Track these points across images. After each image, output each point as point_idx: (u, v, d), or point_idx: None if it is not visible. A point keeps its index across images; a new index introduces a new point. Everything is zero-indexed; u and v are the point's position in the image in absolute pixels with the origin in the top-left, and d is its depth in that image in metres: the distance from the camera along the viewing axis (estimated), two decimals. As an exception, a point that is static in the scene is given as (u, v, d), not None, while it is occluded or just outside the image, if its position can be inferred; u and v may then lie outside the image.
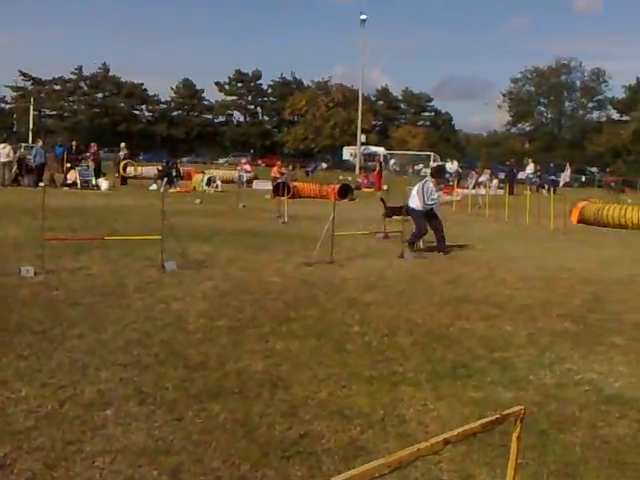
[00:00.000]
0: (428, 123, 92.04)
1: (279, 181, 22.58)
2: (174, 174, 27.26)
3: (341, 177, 37.85)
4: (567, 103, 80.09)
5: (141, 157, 53.52)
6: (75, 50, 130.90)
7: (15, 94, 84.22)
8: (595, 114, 79.41)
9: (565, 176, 41.39)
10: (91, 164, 25.65)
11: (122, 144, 30.06)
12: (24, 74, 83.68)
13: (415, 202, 11.35)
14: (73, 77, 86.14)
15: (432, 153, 62.85)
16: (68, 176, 24.54)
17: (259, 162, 61.42)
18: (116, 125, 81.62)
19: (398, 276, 8.82)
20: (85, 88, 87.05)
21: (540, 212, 16.85)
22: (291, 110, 79.38)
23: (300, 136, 75.82)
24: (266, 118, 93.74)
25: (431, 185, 11.44)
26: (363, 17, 59.47)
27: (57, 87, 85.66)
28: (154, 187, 25.24)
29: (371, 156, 57.85)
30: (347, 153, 67.49)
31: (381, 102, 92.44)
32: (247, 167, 31.26)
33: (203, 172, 30.27)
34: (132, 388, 4.29)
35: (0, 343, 5.09)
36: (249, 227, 13.85)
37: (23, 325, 5.61)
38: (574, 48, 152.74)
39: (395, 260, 10.18)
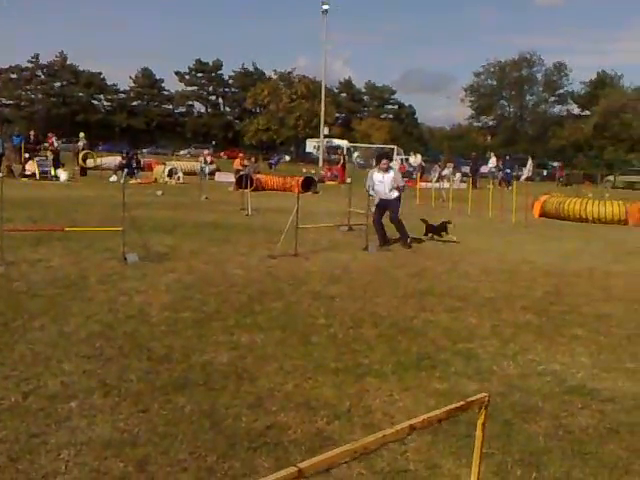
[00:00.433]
0: (391, 116, 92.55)
1: (242, 173, 22.48)
2: (134, 165, 26.89)
3: (304, 170, 37.89)
4: (529, 97, 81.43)
5: (100, 147, 52.58)
6: (31, 38, 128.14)
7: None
8: (557, 108, 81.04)
9: (527, 170, 41.99)
10: (50, 154, 25.13)
11: (81, 134, 29.53)
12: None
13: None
14: (30, 65, 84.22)
15: (395, 146, 63.21)
16: (26, 167, 24.02)
17: (221, 154, 60.92)
18: (74, 115, 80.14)
19: (363, 269, 8.88)
20: (42, 77, 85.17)
21: (502, 206, 17.13)
22: (253, 101, 78.79)
23: (262, 126, 75.42)
24: (228, 109, 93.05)
25: (375, 174, 11.51)
26: (325, 7, 59.38)
27: (13, 76, 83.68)
28: (114, 178, 24.85)
29: (334, 149, 57.93)
30: (310, 146, 67.48)
31: (344, 94, 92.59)
32: (209, 158, 31.05)
33: (164, 163, 29.93)
34: (96, 380, 4.24)
35: (-41, 336, 4.99)
36: (212, 219, 13.76)
37: (-17, 317, 5.50)
38: (535, 42, 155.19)
39: (360, 253, 10.25)
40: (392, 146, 63.73)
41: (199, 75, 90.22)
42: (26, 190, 17.99)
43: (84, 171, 27.02)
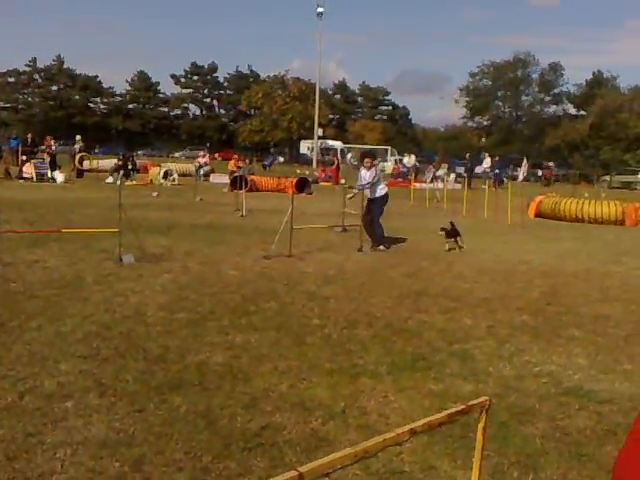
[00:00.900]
0: (385, 117, 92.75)
1: (236, 175, 22.49)
2: (130, 167, 26.89)
3: (298, 171, 37.87)
4: (524, 97, 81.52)
5: (97, 150, 52.53)
6: (29, 42, 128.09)
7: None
8: (552, 108, 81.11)
9: (523, 171, 41.95)
10: (47, 157, 25.12)
11: (77, 137, 29.47)
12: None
13: None
14: (27, 69, 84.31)
15: (389, 147, 63.33)
16: (24, 169, 24.03)
17: (216, 156, 60.92)
18: (71, 118, 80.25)
19: (357, 270, 8.91)
20: (39, 80, 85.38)
21: (498, 206, 17.16)
22: (247, 103, 78.95)
23: (256, 128, 75.50)
24: (222, 111, 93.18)
25: (362, 172, 11.54)
26: (320, 10, 59.49)
27: (11, 79, 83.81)
28: (110, 180, 24.87)
29: (328, 150, 57.95)
30: (304, 147, 67.53)
31: (338, 96, 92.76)
32: (205, 159, 31.03)
33: (160, 165, 29.91)
34: (92, 380, 4.26)
35: (-45, 336, 5.00)
36: (207, 220, 13.78)
37: (-21, 318, 5.52)
38: (531, 42, 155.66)
39: (354, 254, 10.28)
40: (386, 147, 63.89)
41: (194, 78, 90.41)
42: (23, 192, 17.96)
43: (81, 173, 27.00)
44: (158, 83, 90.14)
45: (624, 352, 5.50)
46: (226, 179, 25.80)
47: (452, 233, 11.28)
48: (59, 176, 23.90)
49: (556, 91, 79.40)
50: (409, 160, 42.23)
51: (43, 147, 26.82)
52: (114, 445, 3.39)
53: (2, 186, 8.33)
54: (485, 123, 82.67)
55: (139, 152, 56.16)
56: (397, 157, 54.56)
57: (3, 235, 8.14)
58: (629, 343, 5.78)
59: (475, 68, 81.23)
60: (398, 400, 4.22)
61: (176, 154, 66.72)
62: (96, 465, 3.19)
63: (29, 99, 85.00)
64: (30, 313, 5.76)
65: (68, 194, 18.84)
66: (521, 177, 39.34)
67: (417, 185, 25.97)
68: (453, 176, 33.66)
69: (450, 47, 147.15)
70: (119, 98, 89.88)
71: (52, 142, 27.46)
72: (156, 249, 9.44)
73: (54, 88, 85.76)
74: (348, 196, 11.93)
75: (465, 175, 34.20)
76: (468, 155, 37.94)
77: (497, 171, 34.46)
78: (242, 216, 15.01)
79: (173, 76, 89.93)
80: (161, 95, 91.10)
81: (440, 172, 30.64)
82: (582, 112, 75.81)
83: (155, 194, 20.10)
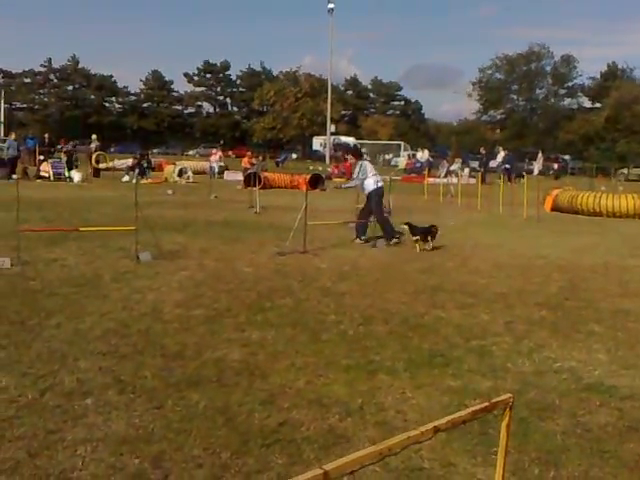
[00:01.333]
0: (398, 112, 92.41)
1: (250, 172, 22.55)
2: (145, 165, 27.06)
3: (311, 167, 37.88)
4: (538, 90, 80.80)
5: (112, 149, 52.83)
6: (44, 43, 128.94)
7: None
8: (567, 101, 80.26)
9: (538, 164, 41.64)
10: (63, 156, 25.35)
11: (93, 136, 29.68)
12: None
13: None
14: (43, 70, 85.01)
15: (402, 142, 63.12)
16: (41, 168, 24.27)
17: (229, 153, 61.06)
18: (87, 117, 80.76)
19: (372, 265, 8.90)
20: (55, 81, 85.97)
21: (513, 200, 17.02)
22: (260, 100, 79.07)
23: (268, 125, 75.65)
24: (235, 109, 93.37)
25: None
26: (331, 6, 59.34)
27: (27, 80, 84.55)
28: (126, 179, 25.05)
29: (341, 146, 57.89)
30: (317, 143, 67.48)
31: (350, 92, 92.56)
32: (219, 155, 31.15)
33: (174, 163, 30.06)
34: (111, 377, 4.31)
35: (-23, 334, 5.07)
36: (222, 218, 13.83)
37: (1, 315, 5.60)
38: (545, 35, 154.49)
39: (368, 249, 10.27)
40: (399, 142, 63.69)
41: (207, 76, 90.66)
42: (41, 191, 18.13)
43: (97, 172, 27.21)
44: (172, 82, 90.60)
45: (645, 347, 5.43)
46: (240, 176, 25.89)
47: (416, 231, 10.66)
48: (76, 175, 24.13)
49: (570, 84, 78.64)
50: (422, 155, 42.12)
51: (60, 146, 27.06)
52: (134, 441, 3.42)
53: (20, 185, 8.39)
54: (499, 117, 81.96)
55: (154, 150, 56.43)
56: (410, 152, 54.39)
57: (22, 234, 8.21)
58: (649, 338, 5.71)
59: (488, 61, 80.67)
60: (416, 397, 4.21)
61: (190, 152, 66.93)
62: (116, 461, 3.22)
63: (45, 99, 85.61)
64: (49, 311, 5.83)
65: (85, 193, 19.01)
66: (536, 171, 39.09)
67: (431, 180, 25.90)
68: (467, 170, 33.44)
69: (462, 40, 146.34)
70: (134, 97, 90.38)
71: (69, 146, 27.73)
72: (172, 246, 9.50)
73: (70, 88, 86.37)
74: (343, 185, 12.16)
75: (479, 169, 34.03)
76: (482, 149, 37.64)
77: (507, 166, 34.22)
78: (256, 213, 15.05)
79: (186, 75, 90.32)
80: (175, 94, 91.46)
81: (454, 167, 30.50)
82: (597, 105, 75.02)
83: (170, 192, 20.21)
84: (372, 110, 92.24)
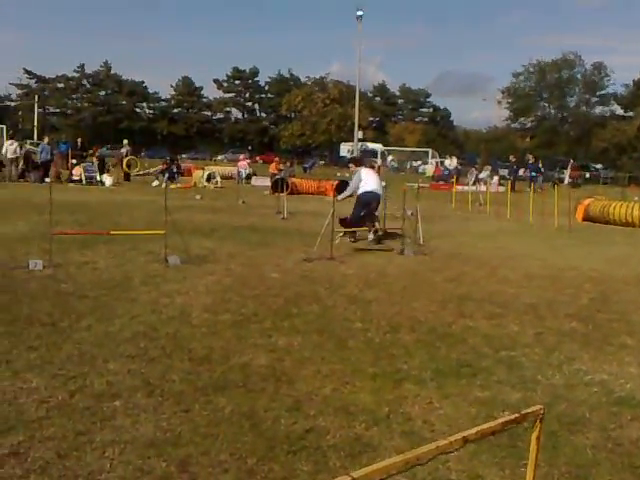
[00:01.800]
0: (426, 119, 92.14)
1: (277, 177, 22.64)
2: (175, 170, 27.33)
3: (339, 173, 37.83)
4: (569, 98, 79.87)
5: (143, 154, 53.48)
6: (78, 48, 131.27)
7: (20, 92, 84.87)
8: (599, 109, 79.21)
9: (569, 173, 41.08)
10: (95, 161, 25.74)
11: (124, 141, 30.07)
12: (29, 72, 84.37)
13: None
14: (76, 75, 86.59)
15: (430, 149, 62.85)
16: (73, 172, 24.68)
17: (257, 158, 61.42)
18: (118, 122, 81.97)
19: (399, 273, 8.86)
20: (88, 86, 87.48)
21: (544, 209, 16.79)
22: (288, 106, 79.50)
23: (296, 132, 76.03)
24: (263, 115, 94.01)
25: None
26: (360, 12, 59.27)
27: (60, 85, 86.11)
28: (156, 183, 25.34)
29: (368, 153, 57.77)
30: (344, 149, 67.47)
31: (378, 98, 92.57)
32: (246, 162, 31.33)
33: (203, 168, 30.30)
34: (140, 380, 4.35)
35: (11, 335, 5.17)
36: (249, 223, 13.90)
37: (33, 317, 5.69)
38: (576, 42, 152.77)
39: (395, 257, 10.23)
40: (427, 149, 63.42)
41: (236, 82, 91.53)
42: (73, 195, 18.40)
43: (128, 176, 27.57)
44: (201, 88, 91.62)
45: (677, 361, 5.33)
46: (267, 182, 25.99)
47: (345, 223, 11.08)
48: (107, 179, 24.50)
49: (603, 92, 77.57)
50: (451, 162, 41.85)
51: (91, 151, 27.49)
52: (161, 445, 3.45)
53: (53, 189, 8.54)
54: (529, 124, 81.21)
55: (183, 155, 56.99)
56: (438, 159, 54.10)
57: (55, 237, 8.35)
58: (682, 352, 5.59)
59: (519, 68, 79.93)
60: (443, 407, 4.17)
61: (218, 157, 67.47)
62: (144, 464, 3.25)
63: (78, 104, 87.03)
64: (80, 313, 5.91)
65: (116, 197, 19.26)
66: (567, 180, 38.61)
67: (459, 188, 25.72)
68: (496, 178, 33.16)
69: (493, 47, 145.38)
70: (164, 103, 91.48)
71: (101, 150, 28.25)
72: (200, 251, 9.57)
73: (102, 93, 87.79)
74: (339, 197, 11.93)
75: (509, 177, 33.68)
76: (512, 157, 37.26)
77: (533, 174, 33.83)
78: (283, 218, 15.09)
79: (216, 81, 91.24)
80: (204, 99, 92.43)
81: (483, 174, 30.28)
82: (630, 113, 73.87)
83: (198, 197, 20.38)
84: (400, 117, 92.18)
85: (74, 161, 25.74)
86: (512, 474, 3.28)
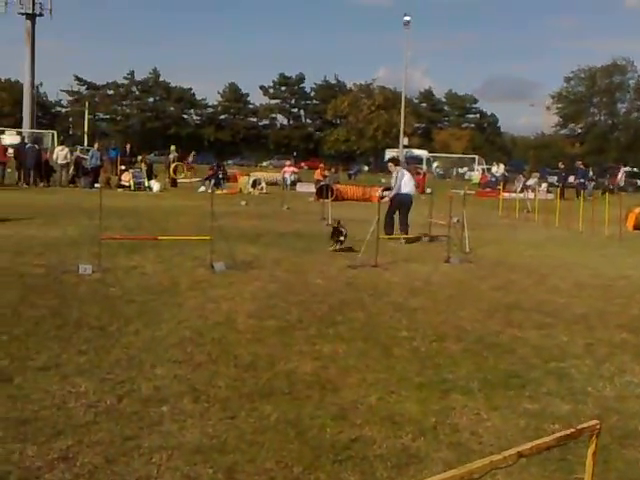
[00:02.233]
0: (473, 125, 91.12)
1: (322, 184, 22.67)
2: (221, 176, 27.62)
3: (384, 180, 37.67)
4: (620, 104, 77.96)
5: (190, 160, 54.26)
6: (127, 56, 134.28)
7: (71, 98, 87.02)
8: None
9: (620, 180, 40.03)
10: (144, 166, 26.22)
11: (172, 147, 30.52)
12: (79, 79, 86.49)
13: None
14: (125, 82, 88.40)
15: (476, 156, 62.10)
16: (122, 178, 25.18)
17: (302, 165, 61.69)
18: (166, 129, 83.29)
19: (444, 281, 8.75)
20: (137, 93, 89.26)
21: (594, 217, 16.40)
22: (333, 112, 79.69)
23: (342, 137, 76.14)
24: (309, 121, 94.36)
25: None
26: (407, 18, 58.97)
27: (110, 92, 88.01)
28: (202, 189, 25.65)
29: (414, 159, 57.41)
30: (389, 156, 67.19)
31: (424, 104, 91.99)
32: (292, 169, 31.46)
33: (248, 174, 30.55)
34: (186, 385, 4.38)
35: (60, 339, 5.28)
36: (294, 229, 13.94)
37: (82, 321, 5.81)
38: (627, 47, 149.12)
39: (441, 265, 10.09)
40: (473, 156, 62.65)
41: (282, 89, 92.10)
42: (122, 200, 18.74)
43: (175, 182, 27.98)
44: (248, 94, 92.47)
45: None
46: (312, 188, 26.05)
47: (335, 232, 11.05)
48: (155, 185, 24.93)
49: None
50: (497, 169, 41.28)
51: (140, 157, 28.01)
52: (207, 451, 3.46)
53: (103, 194, 8.72)
54: (578, 131, 79.52)
55: (229, 161, 57.62)
56: (485, 166, 53.41)
57: (104, 241, 8.52)
58: None
59: (569, 74, 78.44)
60: (491, 418, 4.09)
61: (264, 163, 68.04)
62: (190, 471, 3.26)
63: (127, 111, 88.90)
64: (128, 317, 6.00)
65: (163, 202, 19.58)
66: (622, 182, 37.54)
67: (506, 195, 25.28)
68: (545, 185, 32.50)
69: (541, 52, 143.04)
70: (211, 109, 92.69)
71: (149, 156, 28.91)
72: (246, 257, 9.63)
73: (150, 100, 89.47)
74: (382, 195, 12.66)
75: (558, 185, 32.98)
76: (561, 164, 36.49)
77: (581, 180, 33.00)
78: (328, 225, 15.05)
79: (262, 87, 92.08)
80: (250, 106, 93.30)
81: (531, 181, 29.71)
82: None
83: (244, 203, 20.54)
84: (446, 123, 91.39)
85: (123, 167, 26.26)
86: (563, 490, 3.19)
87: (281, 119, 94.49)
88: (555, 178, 37.62)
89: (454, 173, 57.31)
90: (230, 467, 3.31)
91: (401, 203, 12.72)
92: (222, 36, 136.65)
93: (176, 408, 3.99)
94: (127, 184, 24.68)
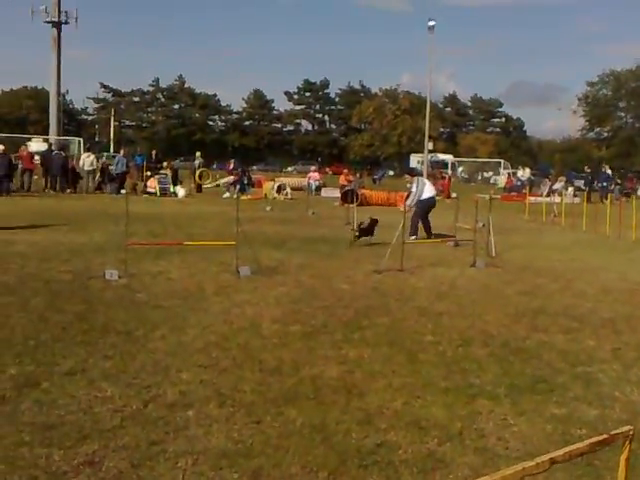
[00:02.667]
0: (498, 129, 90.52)
1: (347, 189, 22.62)
2: (246, 182, 27.76)
3: (409, 185, 37.57)
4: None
5: (215, 166, 54.67)
6: (153, 63, 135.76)
7: (97, 105, 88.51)
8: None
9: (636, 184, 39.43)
10: (169, 172, 26.45)
11: (197, 153, 30.75)
12: (105, 86, 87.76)
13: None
14: (151, 89, 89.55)
15: (502, 160, 61.62)
16: (148, 184, 25.43)
17: (327, 170, 61.75)
18: (191, 135, 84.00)
19: (470, 286, 8.68)
20: (162, 99, 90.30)
21: (621, 221, 16.16)
22: (358, 118, 79.71)
23: (366, 142, 76.11)
24: (333, 126, 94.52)
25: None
26: (431, 23, 58.79)
27: (136, 99, 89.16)
28: (227, 195, 25.80)
29: (438, 164, 57.16)
30: (414, 160, 66.91)
31: (449, 109, 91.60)
32: (316, 175, 31.51)
33: (273, 180, 30.66)
34: (212, 390, 4.40)
35: (87, 343, 5.33)
36: (319, 234, 13.95)
37: (108, 326, 5.86)
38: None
39: (467, 269, 10.01)
40: (499, 160, 62.16)
41: (307, 94, 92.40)
42: (148, 206, 18.93)
43: (200, 188, 28.18)
44: (272, 100, 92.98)
45: None
46: (337, 193, 26.04)
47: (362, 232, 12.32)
48: (180, 191, 25.15)
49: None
50: (523, 173, 40.89)
51: (165, 164, 28.28)
52: (233, 456, 3.46)
53: (129, 200, 8.82)
54: (605, 134, 78.44)
55: (253, 167, 57.91)
56: (510, 170, 52.93)
57: (130, 247, 8.60)
58: None
59: (594, 77, 77.47)
60: (518, 424, 4.05)
61: (288, 169, 68.28)
62: (216, 476, 3.26)
63: (153, 117, 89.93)
64: (154, 322, 6.05)
65: (189, 208, 19.75)
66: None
67: (532, 199, 25.04)
68: (571, 189, 32.11)
69: (567, 56, 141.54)
70: (236, 115, 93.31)
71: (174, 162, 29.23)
72: (270, 262, 9.66)
73: (176, 107, 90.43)
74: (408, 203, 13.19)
75: (585, 189, 32.59)
76: (587, 168, 36.03)
77: (604, 184, 32.46)
78: (353, 230, 15.04)
79: (286, 93, 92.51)
80: (275, 112, 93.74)
81: (557, 185, 29.39)
82: None
83: (269, 208, 20.61)
84: (471, 127, 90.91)
85: (148, 173, 26.52)
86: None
87: (305, 125, 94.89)
88: (582, 182, 37.15)
89: (479, 177, 56.92)
90: (255, 472, 3.30)
91: (428, 206, 13.85)
92: (246, 42, 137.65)
93: (202, 413, 4.01)
94: (153, 190, 24.92)
